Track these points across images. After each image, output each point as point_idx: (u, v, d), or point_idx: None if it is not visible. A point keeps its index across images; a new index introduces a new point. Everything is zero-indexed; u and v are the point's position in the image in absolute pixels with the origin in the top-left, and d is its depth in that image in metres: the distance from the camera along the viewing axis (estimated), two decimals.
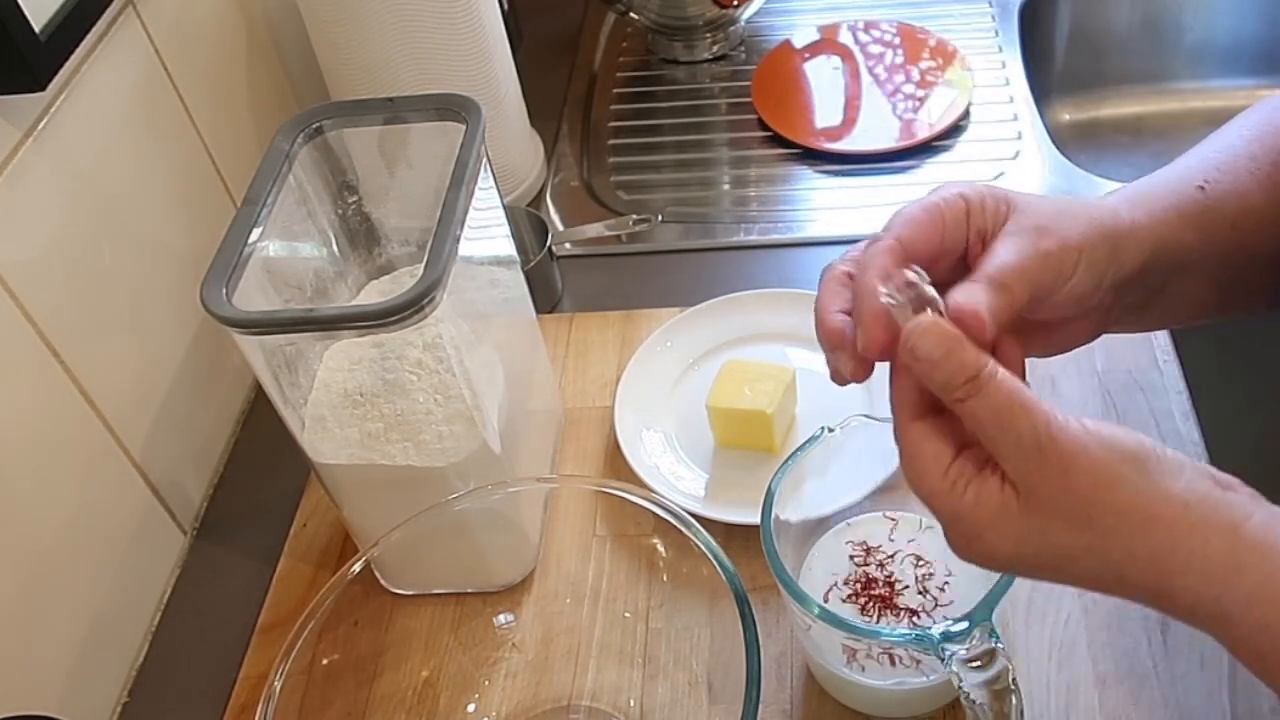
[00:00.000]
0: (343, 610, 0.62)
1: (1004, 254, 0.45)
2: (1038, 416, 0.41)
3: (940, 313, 0.43)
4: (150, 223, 0.79)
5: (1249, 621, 0.39)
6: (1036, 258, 0.45)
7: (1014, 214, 0.47)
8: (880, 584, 0.63)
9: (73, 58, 0.68)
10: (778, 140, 1.05)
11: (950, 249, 0.47)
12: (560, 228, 0.98)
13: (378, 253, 0.74)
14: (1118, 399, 0.77)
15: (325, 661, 0.61)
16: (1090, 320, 0.51)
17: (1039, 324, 0.49)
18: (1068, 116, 1.27)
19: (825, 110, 1.07)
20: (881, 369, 0.46)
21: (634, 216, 0.97)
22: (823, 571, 0.65)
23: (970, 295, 0.43)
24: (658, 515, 0.62)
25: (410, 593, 0.71)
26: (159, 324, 0.79)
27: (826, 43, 1.14)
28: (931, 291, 0.43)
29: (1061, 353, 0.52)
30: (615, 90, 1.14)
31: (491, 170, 0.67)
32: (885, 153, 1.01)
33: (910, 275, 0.43)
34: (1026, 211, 0.47)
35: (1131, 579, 0.41)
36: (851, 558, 0.65)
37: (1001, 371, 0.42)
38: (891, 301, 0.43)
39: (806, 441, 0.63)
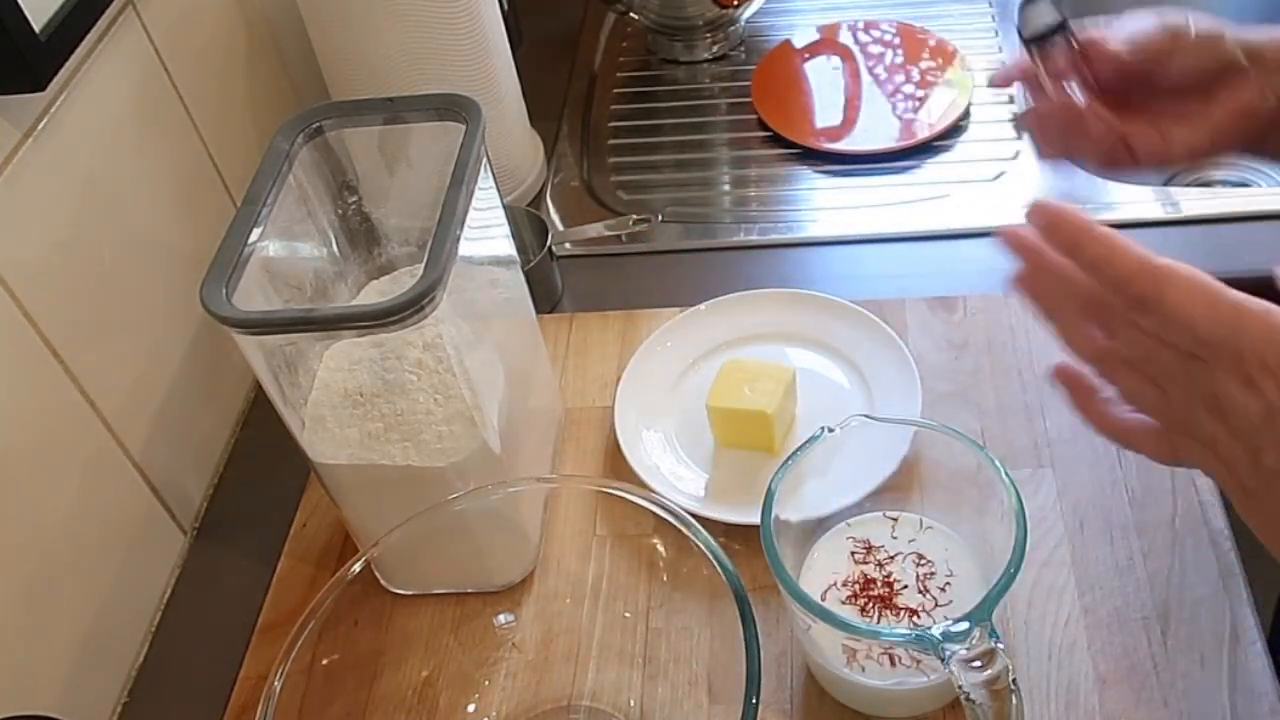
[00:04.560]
0: (343, 610, 0.62)
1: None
2: None
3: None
4: (150, 223, 0.79)
5: None
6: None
7: None
8: (879, 584, 0.63)
9: (73, 58, 0.68)
10: (778, 140, 1.05)
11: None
12: (560, 228, 0.98)
13: (378, 253, 0.74)
14: None
15: (325, 661, 0.61)
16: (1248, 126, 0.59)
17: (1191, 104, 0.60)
18: None
19: (825, 110, 1.07)
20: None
21: (634, 216, 0.97)
22: (823, 571, 0.65)
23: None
24: (658, 515, 0.62)
25: (410, 593, 0.71)
26: (159, 324, 0.79)
27: (826, 43, 1.14)
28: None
29: (1213, 152, 0.62)
30: (615, 90, 1.14)
31: (491, 170, 0.67)
32: (885, 153, 1.01)
33: None
34: None
35: None
36: (853, 554, 0.65)
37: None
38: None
39: (806, 441, 0.63)
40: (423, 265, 0.58)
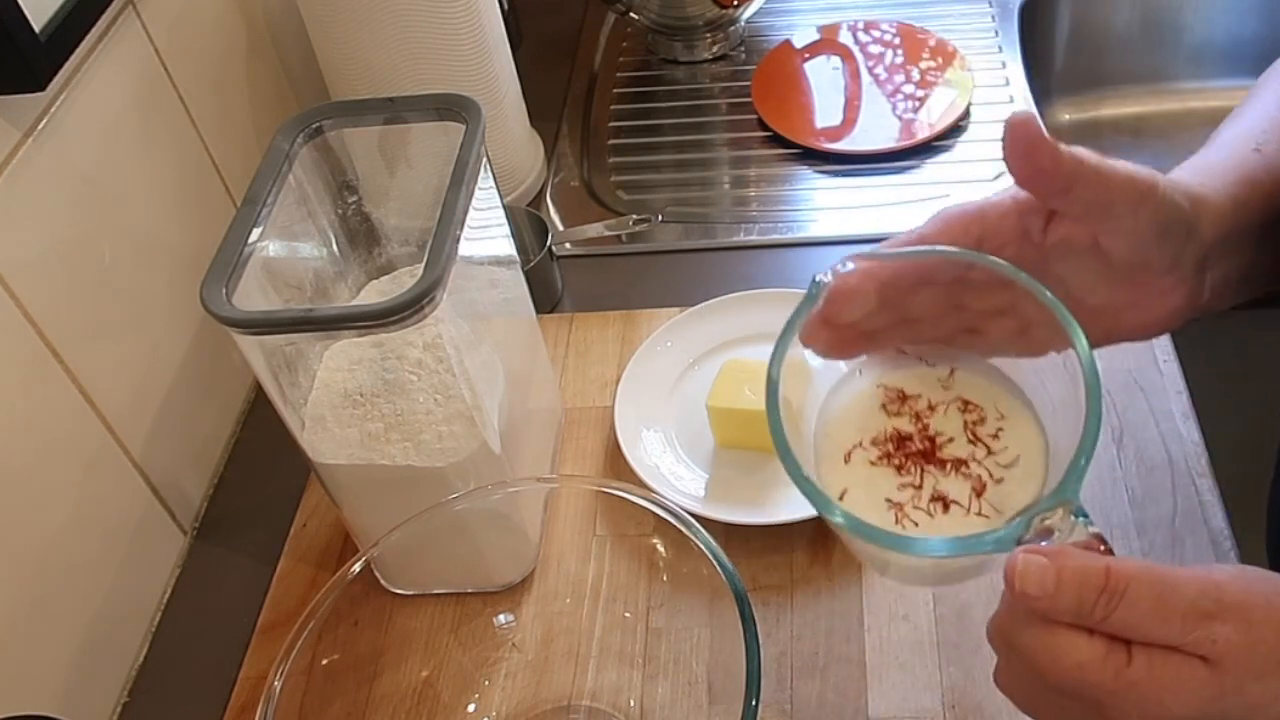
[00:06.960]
0: (343, 610, 0.62)
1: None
2: (1190, 588, 0.40)
3: None
4: (150, 223, 0.79)
5: None
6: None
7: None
8: (917, 439, 0.51)
9: (73, 58, 0.68)
10: (778, 140, 1.05)
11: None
12: (560, 228, 0.98)
13: (378, 253, 0.74)
14: (1118, 399, 0.77)
15: (325, 661, 0.61)
16: (1179, 291, 0.50)
17: (1123, 285, 0.50)
18: (1068, 116, 1.28)
19: (825, 110, 1.07)
20: None
21: (634, 216, 0.97)
22: (846, 431, 0.52)
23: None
24: (658, 515, 0.62)
25: (410, 593, 0.71)
26: (159, 324, 0.79)
27: (826, 43, 1.14)
28: None
29: (1156, 332, 0.52)
30: (615, 90, 1.14)
31: (491, 170, 0.67)
32: (885, 153, 1.01)
33: None
34: None
35: None
36: (884, 406, 0.53)
37: (1126, 564, 0.40)
38: None
39: (802, 304, 0.54)
40: (423, 265, 0.58)
